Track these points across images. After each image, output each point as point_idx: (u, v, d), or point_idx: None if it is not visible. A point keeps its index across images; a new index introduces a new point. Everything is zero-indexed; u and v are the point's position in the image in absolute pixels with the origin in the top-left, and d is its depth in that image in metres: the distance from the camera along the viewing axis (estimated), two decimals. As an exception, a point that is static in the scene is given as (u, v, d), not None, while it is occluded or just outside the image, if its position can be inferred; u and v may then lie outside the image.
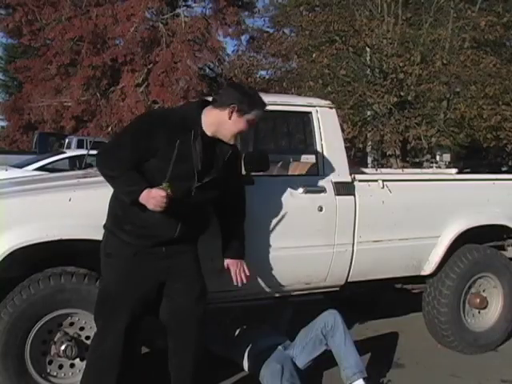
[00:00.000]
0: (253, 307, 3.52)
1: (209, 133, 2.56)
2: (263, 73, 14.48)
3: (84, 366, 2.73)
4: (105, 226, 2.67)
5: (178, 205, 2.47)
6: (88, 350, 2.76)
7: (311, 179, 3.46)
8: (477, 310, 4.05)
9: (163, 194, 2.42)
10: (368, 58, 11.91)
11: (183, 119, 2.55)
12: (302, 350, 3.22)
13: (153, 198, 2.42)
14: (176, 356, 2.70)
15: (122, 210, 2.57)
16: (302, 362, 3.22)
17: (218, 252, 2.96)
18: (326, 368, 3.44)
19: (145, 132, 2.50)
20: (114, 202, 2.64)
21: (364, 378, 3.07)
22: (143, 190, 2.44)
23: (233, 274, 2.89)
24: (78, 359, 2.89)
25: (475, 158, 17.35)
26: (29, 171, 8.74)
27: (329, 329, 3.15)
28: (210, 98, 2.67)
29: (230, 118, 2.53)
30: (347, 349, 3.12)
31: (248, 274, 2.89)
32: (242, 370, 3.40)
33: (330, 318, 3.19)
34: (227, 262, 2.91)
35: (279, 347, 3.30)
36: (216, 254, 2.97)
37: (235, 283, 2.88)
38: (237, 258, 2.89)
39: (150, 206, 2.44)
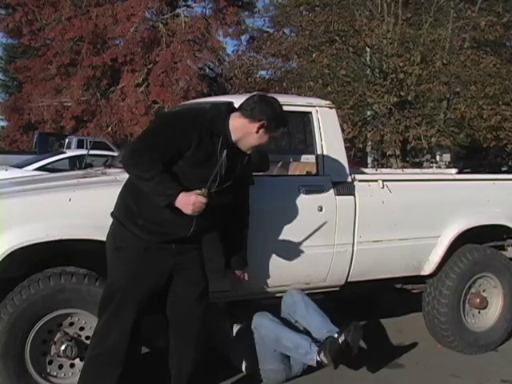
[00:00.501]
0: (253, 307, 3.52)
1: (233, 139, 2.57)
2: (263, 73, 14.51)
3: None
4: (113, 215, 2.63)
5: None
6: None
7: (311, 179, 3.46)
8: (477, 310, 4.05)
9: (204, 200, 2.43)
10: (368, 58, 11.92)
11: (212, 123, 2.53)
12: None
13: (192, 204, 2.42)
14: (177, 353, 2.71)
15: (136, 205, 2.54)
16: None
17: (218, 253, 2.98)
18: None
19: (179, 131, 2.47)
20: (128, 194, 2.60)
21: (338, 333, 3.01)
22: (179, 193, 2.43)
23: (232, 281, 3.07)
24: (77, 359, 2.88)
25: (475, 158, 17.37)
26: (29, 171, 8.71)
27: (290, 307, 3.27)
28: (236, 103, 2.68)
29: (257, 132, 2.55)
30: (310, 316, 3.19)
31: (247, 279, 3.06)
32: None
33: (288, 298, 3.32)
34: (231, 270, 3.04)
35: None
36: (215, 254, 2.98)
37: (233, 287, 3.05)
38: (240, 269, 3.03)
39: (188, 211, 2.44)
